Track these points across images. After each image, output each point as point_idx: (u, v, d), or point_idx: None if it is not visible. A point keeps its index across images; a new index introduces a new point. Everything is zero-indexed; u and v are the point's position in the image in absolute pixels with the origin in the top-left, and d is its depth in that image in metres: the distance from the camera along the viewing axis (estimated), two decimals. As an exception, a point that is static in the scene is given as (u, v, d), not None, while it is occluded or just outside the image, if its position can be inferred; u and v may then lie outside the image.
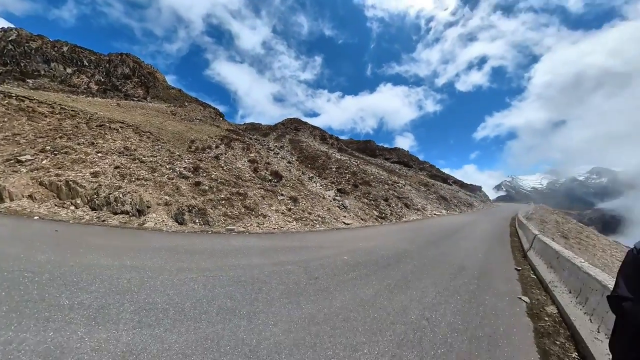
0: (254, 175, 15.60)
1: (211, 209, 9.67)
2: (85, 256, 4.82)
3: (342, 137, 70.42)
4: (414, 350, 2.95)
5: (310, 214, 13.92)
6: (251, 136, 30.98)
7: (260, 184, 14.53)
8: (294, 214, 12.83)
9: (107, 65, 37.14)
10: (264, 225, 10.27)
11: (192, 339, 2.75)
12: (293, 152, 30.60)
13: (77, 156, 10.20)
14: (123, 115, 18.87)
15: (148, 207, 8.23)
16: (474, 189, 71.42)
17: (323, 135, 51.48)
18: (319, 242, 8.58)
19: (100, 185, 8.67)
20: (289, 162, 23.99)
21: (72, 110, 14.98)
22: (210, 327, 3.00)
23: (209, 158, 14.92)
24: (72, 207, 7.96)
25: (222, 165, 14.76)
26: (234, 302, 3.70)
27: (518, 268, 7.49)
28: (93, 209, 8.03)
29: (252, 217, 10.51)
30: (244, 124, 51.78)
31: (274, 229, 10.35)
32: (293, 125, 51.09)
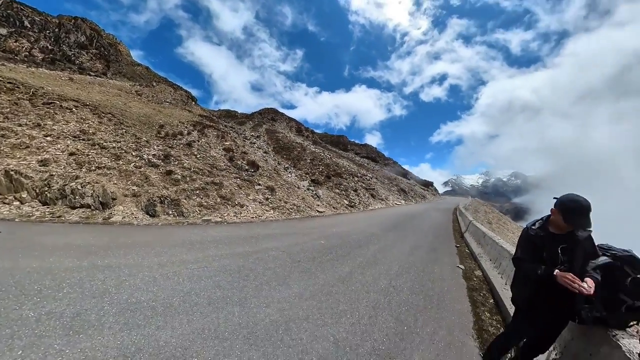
0: (229, 164, 14.58)
1: (185, 199, 8.78)
2: (44, 259, 3.92)
3: (317, 131, 69.99)
4: (385, 310, 3.59)
5: (286, 202, 13.60)
6: (226, 124, 28.91)
7: (236, 174, 13.65)
8: (271, 203, 12.40)
9: (57, 30, 30.65)
10: (242, 215, 9.69)
11: (188, 332, 2.56)
12: (269, 143, 29.39)
13: (19, 140, 8.25)
14: (77, 92, 15.99)
15: (113, 199, 7.05)
16: (427, 184, 77.12)
17: (299, 128, 50.35)
18: (296, 229, 8.56)
19: (52, 175, 7.11)
20: (265, 152, 22.97)
21: (8, 83, 12.13)
22: (204, 318, 2.83)
23: (181, 145, 13.48)
24: (17, 203, 6.44)
25: (196, 153, 13.47)
26: (224, 290, 3.51)
27: (457, 245, 8.86)
28: (44, 203, 6.59)
29: (229, 207, 9.82)
30: (219, 110, 47.94)
31: (253, 218, 9.85)
32: (270, 116, 48.99)
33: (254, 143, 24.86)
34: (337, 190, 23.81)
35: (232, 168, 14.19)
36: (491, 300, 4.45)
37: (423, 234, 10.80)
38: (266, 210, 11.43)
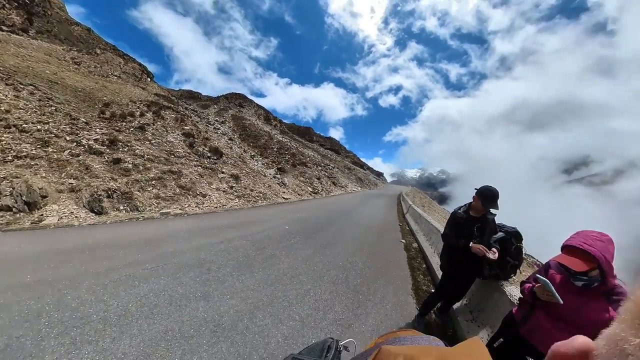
0: (189, 151, 12.92)
1: (139, 191, 7.46)
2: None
3: (286, 121, 67.46)
4: (344, 284, 3.79)
5: (252, 190, 12.81)
6: (187, 105, 25.42)
7: (197, 161, 12.18)
8: (236, 192, 11.47)
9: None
10: (205, 205, 8.71)
11: (149, 337, 2.23)
12: (235, 129, 26.99)
13: None
14: (-16, 51, 11.93)
15: (44, 196, 5.44)
16: (379, 174, 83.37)
17: (267, 116, 47.30)
18: (262, 216, 8.16)
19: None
20: (230, 139, 21.03)
21: None
22: (166, 319, 2.51)
23: (132, 128, 11.31)
24: None
25: (150, 138, 11.51)
26: (185, 287, 3.14)
27: (400, 224, 9.90)
28: None
29: (189, 198, 8.71)
30: (179, 90, 41.77)
31: (216, 207, 8.94)
32: (237, 101, 44.67)
33: (218, 129, 22.57)
34: (302, 178, 23.54)
35: (192, 155, 12.62)
36: (424, 266, 5.15)
37: (374, 214, 11.81)
38: (230, 199, 10.53)
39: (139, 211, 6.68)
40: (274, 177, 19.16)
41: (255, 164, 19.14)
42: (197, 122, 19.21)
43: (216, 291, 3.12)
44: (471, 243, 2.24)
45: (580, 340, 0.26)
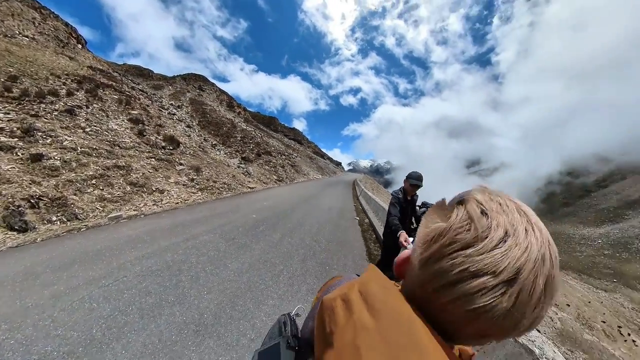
0: (139, 141, 10.79)
1: (75, 194, 5.89)
2: None
3: (250, 109, 61.64)
4: (311, 260, 3.98)
5: (215, 182, 11.61)
6: (135, 85, 20.75)
7: (150, 152, 10.31)
8: (197, 184, 10.19)
9: None
10: (164, 202, 7.47)
11: (129, 357, 1.90)
12: (194, 115, 23.47)
13: None
14: None
15: None
16: (337, 164, 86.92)
17: (231, 102, 42.09)
18: (228, 208, 7.55)
19: None
20: (188, 126, 18.24)
21: None
22: (142, 334, 2.15)
23: (56, 113, 8.68)
24: None
25: (84, 125, 9.08)
26: (156, 295, 2.72)
27: (355, 205, 10.76)
28: None
29: (144, 195, 7.33)
30: (124, 64, 33.43)
31: (177, 203, 7.75)
32: (197, 83, 38.19)
33: (174, 114, 19.32)
34: (267, 167, 22.52)
35: (143, 145, 10.59)
36: (374, 236, 5.73)
37: (333, 198, 12.48)
38: (193, 193, 9.31)
39: (80, 219, 5.28)
40: (238, 166, 17.81)
41: (218, 153, 17.33)
42: (148, 106, 16.03)
43: (191, 290, 2.83)
44: (400, 233, 2.50)
45: (405, 252, 0.47)
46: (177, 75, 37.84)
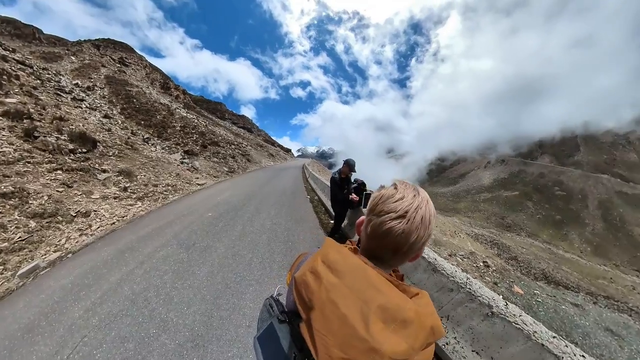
0: (28, 147, 7.52)
1: None
2: None
3: (192, 93, 48.33)
4: (275, 241, 4.11)
5: (156, 185, 9.37)
6: (6, 51, 13.23)
7: (51, 162, 7.19)
8: (134, 193, 7.93)
9: None
10: (94, 228, 5.31)
11: None
12: (115, 101, 17.14)
13: None
14: None
15: None
16: (287, 150, 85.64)
17: (166, 83, 31.48)
18: (179, 212, 6.26)
19: None
20: (106, 117, 13.58)
21: None
22: None
23: None
24: None
25: None
26: (134, 337, 2.20)
27: (305, 186, 11.14)
28: None
29: (62, 227, 5.00)
30: None
31: (113, 223, 5.70)
32: (118, 55, 25.87)
33: (82, 99, 13.91)
34: (216, 159, 20.01)
35: (37, 153, 7.45)
36: (323, 209, 6.17)
37: (285, 182, 12.42)
38: (130, 205, 7.08)
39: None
40: (182, 162, 15.15)
41: (153, 149, 14.13)
42: (35, 88, 10.96)
43: (170, 313, 2.47)
44: (346, 193, 3.38)
45: (361, 217, 0.59)
46: (86, 41, 24.00)
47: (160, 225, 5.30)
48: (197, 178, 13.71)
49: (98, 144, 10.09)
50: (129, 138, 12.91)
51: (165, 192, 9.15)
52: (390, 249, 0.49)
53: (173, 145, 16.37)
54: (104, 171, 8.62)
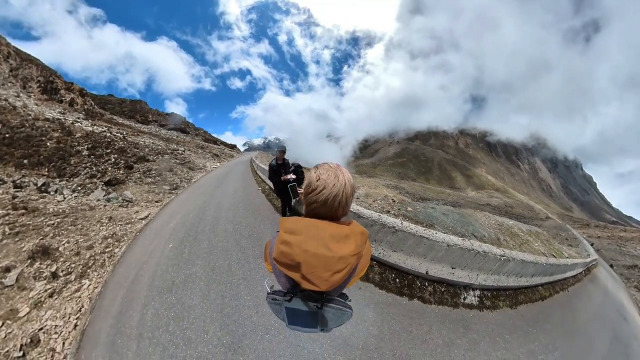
0: None
1: None
2: None
3: (94, 92, 32.08)
4: (243, 238, 4.70)
5: (91, 247, 6.59)
6: None
7: None
8: (70, 273, 5.40)
9: None
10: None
11: None
12: None
13: None
14: None
15: None
16: (232, 147, 76.29)
17: (50, 83, 19.33)
18: (138, 261, 5.03)
19: None
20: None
21: None
22: None
23: None
24: None
25: None
26: None
27: (255, 178, 11.92)
28: None
29: None
30: None
31: (76, 326, 3.93)
32: None
33: None
34: (150, 179, 17.21)
35: None
36: (275, 195, 6.53)
37: (237, 179, 12.89)
38: (77, 291, 4.82)
39: None
40: (108, 200, 12.30)
41: (59, 198, 11.12)
42: None
43: (177, 349, 2.57)
44: (282, 177, 3.67)
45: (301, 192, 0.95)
46: None
47: (128, 288, 4.14)
48: (137, 212, 10.63)
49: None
50: (13, 198, 9.68)
51: (107, 250, 6.60)
52: (325, 213, 0.73)
53: (86, 181, 12.92)
54: (7, 269, 6.27)
